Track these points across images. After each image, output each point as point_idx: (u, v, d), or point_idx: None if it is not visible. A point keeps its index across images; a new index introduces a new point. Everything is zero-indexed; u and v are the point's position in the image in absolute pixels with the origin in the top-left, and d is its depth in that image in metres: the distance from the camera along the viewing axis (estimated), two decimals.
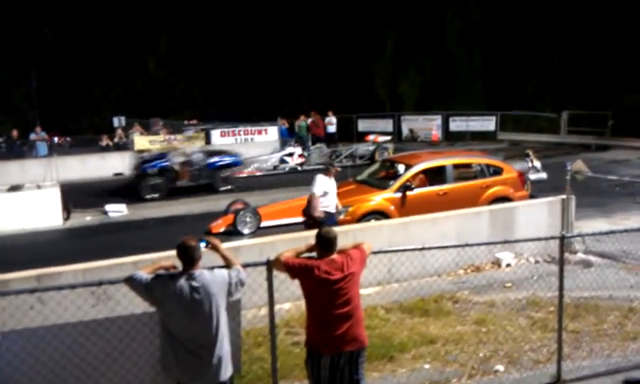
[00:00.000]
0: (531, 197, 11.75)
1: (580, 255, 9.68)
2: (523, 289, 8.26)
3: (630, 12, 25.13)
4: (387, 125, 29.68)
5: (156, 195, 16.71)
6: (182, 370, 4.18)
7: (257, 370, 6.00)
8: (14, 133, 23.92)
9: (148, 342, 4.58)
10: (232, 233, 11.78)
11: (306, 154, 21.83)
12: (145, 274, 4.28)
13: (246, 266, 4.64)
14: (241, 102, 34.15)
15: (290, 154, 21.53)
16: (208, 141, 23.77)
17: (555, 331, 5.96)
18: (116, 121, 27.04)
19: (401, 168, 11.77)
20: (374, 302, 7.81)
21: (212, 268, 4.36)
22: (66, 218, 14.25)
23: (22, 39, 35.24)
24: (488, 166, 11.93)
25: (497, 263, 9.37)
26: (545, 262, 9.47)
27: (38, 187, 15.03)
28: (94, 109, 37.52)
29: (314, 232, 4.86)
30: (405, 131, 29.68)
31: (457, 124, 28.63)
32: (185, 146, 17.56)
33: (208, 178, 17.65)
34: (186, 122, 27.19)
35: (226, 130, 24.85)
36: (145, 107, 31.89)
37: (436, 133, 28.29)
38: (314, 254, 4.69)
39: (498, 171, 11.81)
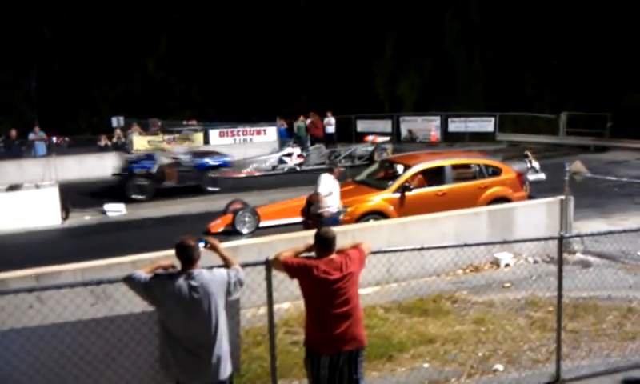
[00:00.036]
0: (530, 197, 11.77)
1: (579, 255, 9.69)
2: (522, 289, 8.27)
3: (629, 13, 25.16)
4: (386, 125, 29.70)
5: (142, 197, 16.43)
6: (181, 369, 4.18)
7: (256, 369, 6.00)
8: (13, 133, 23.91)
9: (147, 342, 4.59)
10: (231, 232, 11.79)
11: (304, 154, 21.84)
12: (144, 274, 4.28)
13: (244, 265, 4.64)
14: (240, 103, 34.15)
15: (289, 155, 21.53)
16: (207, 141, 23.79)
17: (554, 331, 5.96)
18: (114, 121, 26.99)
19: (400, 168, 11.79)
20: (373, 302, 7.81)
21: (211, 267, 4.36)
22: (65, 218, 14.24)
23: (22, 39, 35.21)
24: (487, 166, 11.94)
25: (496, 263, 9.38)
26: (544, 262, 9.48)
27: (37, 187, 15.03)
28: (92, 109, 37.50)
29: (312, 232, 4.86)
30: (404, 132, 29.70)
31: (456, 125, 28.65)
32: (171, 146, 17.29)
33: (196, 179, 17.40)
34: (184, 123, 27.18)
35: (225, 130, 24.84)
36: (144, 107, 31.87)
37: (435, 133, 28.29)
38: (312, 253, 4.70)
39: (496, 172, 11.82)
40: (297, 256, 4.71)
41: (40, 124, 26.83)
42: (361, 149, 22.51)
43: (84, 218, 14.67)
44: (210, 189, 17.43)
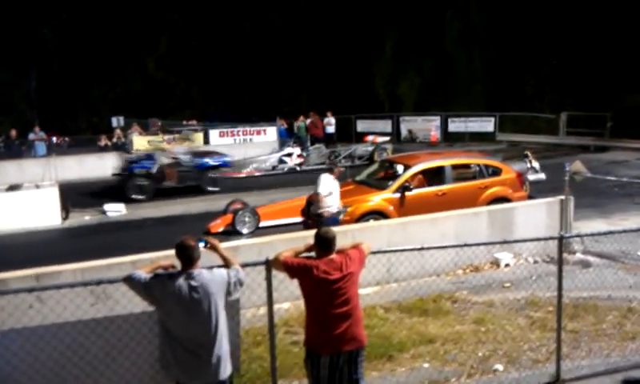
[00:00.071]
0: (530, 197, 11.76)
1: (579, 255, 9.69)
2: (522, 289, 8.27)
3: (629, 13, 25.15)
4: (386, 125, 29.70)
5: (142, 197, 16.40)
6: (181, 369, 4.18)
7: (256, 369, 6.00)
8: (13, 133, 23.92)
9: (147, 342, 4.59)
10: (231, 232, 11.79)
11: (304, 154, 21.83)
12: (144, 274, 4.28)
13: (244, 265, 4.64)
14: (240, 103, 34.15)
15: (289, 155, 21.53)
16: (207, 141, 23.79)
17: (554, 331, 5.96)
18: (115, 121, 26.99)
19: (399, 168, 11.79)
20: (373, 302, 7.81)
21: (211, 268, 4.36)
22: (65, 218, 14.24)
23: (22, 39, 35.22)
24: (487, 166, 11.94)
25: (496, 263, 9.38)
26: (544, 262, 9.48)
27: (37, 187, 15.02)
28: (92, 109, 37.51)
29: (312, 232, 4.86)
30: (403, 132, 29.70)
31: (455, 125, 28.65)
32: (171, 146, 17.26)
33: (195, 179, 17.37)
34: (184, 123, 27.18)
35: (225, 130, 24.84)
36: (144, 107, 31.87)
37: (435, 133, 28.28)
38: (312, 253, 4.70)
39: (496, 172, 11.82)
40: (297, 256, 4.71)
41: (40, 124, 26.83)
42: (361, 149, 22.51)
43: (84, 218, 14.67)
44: (210, 189, 17.40)
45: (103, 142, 25.09)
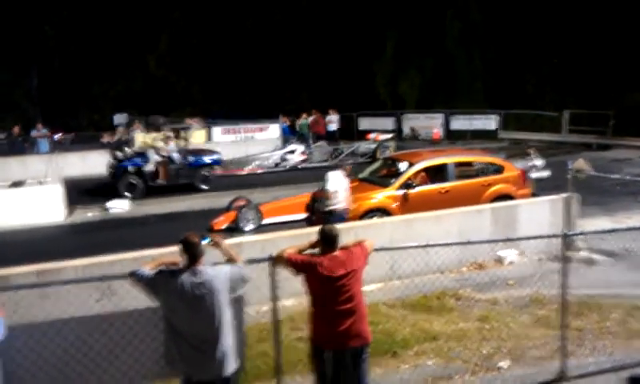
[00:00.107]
0: (533, 195, 11.73)
1: (583, 253, 9.65)
2: (526, 286, 8.22)
3: (630, 11, 25.06)
4: (388, 123, 29.66)
5: (133, 194, 16.24)
6: (186, 365, 4.18)
7: (260, 365, 5.98)
8: (16, 129, 23.98)
9: (150, 339, 4.58)
10: (234, 229, 11.77)
11: (307, 151, 21.82)
12: (148, 270, 4.29)
13: (248, 262, 4.63)
14: (242, 101, 34.15)
15: (292, 152, 21.52)
16: (209, 138, 23.80)
17: (558, 329, 5.94)
18: (118, 118, 27.01)
19: (402, 166, 11.76)
20: (377, 299, 7.80)
21: (215, 264, 4.36)
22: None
23: (23, 38, 35.26)
24: (490, 164, 11.92)
25: (499, 261, 9.35)
26: (547, 260, 9.43)
27: (40, 183, 15.03)
28: (93, 106, 37.58)
29: (316, 229, 4.85)
30: (406, 130, 29.66)
31: (458, 123, 28.59)
32: (165, 144, 17.17)
33: (188, 177, 17.32)
34: (187, 120, 27.16)
35: (228, 127, 24.83)
36: (145, 105, 31.90)
37: (438, 131, 28.23)
38: (315, 250, 4.69)
39: (499, 169, 11.79)
40: (300, 253, 4.71)
41: (42, 121, 26.86)
42: (363, 146, 22.50)
43: (87, 214, 14.67)
44: (203, 187, 17.37)
45: (106, 139, 25.10)
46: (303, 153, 21.53)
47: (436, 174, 11.54)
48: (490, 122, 28.06)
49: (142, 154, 17.19)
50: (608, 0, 25.67)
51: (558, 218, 9.95)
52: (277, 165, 21.15)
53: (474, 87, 30.19)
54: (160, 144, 17.22)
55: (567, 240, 6.07)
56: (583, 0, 26.26)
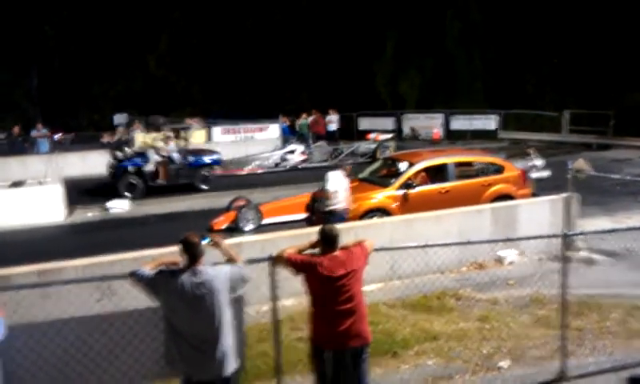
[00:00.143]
0: (534, 195, 11.73)
1: (583, 253, 9.65)
2: (526, 286, 8.22)
3: (630, 11, 25.06)
4: (388, 123, 29.66)
5: (133, 195, 16.22)
6: (186, 365, 4.19)
7: (260, 365, 5.98)
8: (16, 129, 23.97)
9: (150, 339, 4.58)
10: (234, 229, 11.77)
11: (307, 151, 21.82)
12: (148, 270, 4.30)
13: (248, 262, 4.63)
14: (242, 101, 34.16)
15: (292, 152, 21.52)
16: (209, 138, 23.81)
17: (558, 328, 5.94)
18: (118, 118, 27.01)
19: (402, 166, 11.76)
20: (377, 299, 7.79)
21: (215, 264, 4.36)
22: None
23: (23, 38, 35.26)
24: (490, 164, 11.92)
25: (499, 261, 9.35)
26: (548, 260, 9.43)
27: (40, 183, 15.02)
28: (93, 106, 37.59)
29: (316, 229, 4.86)
30: (406, 130, 29.66)
31: (458, 123, 28.59)
32: (165, 144, 17.16)
33: (187, 177, 17.30)
34: (187, 120, 27.17)
35: (228, 127, 24.83)
36: (145, 105, 31.90)
37: (438, 131, 28.23)
38: (315, 250, 4.69)
39: (499, 169, 11.79)
40: (300, 253, 4.71)
41: (42, 121, 26.86)
42: (363, 146, 22.50)
43: (87, 214, 14.67)
44: (203, 187, 17.36)
45: (106, 139, 25.10)
46: (303, 153, 21.53)
47: (436, 174, 11.54)
48: (489, 122, 28.06)
49: (142, 154, 17.18)
50: (608, 0, 25.66)
51: (558, 218, 9.95)
52: (277, 165, 21.14)
53: (474, 87, 30.19)
54: (160, 144, 17.22)
55: (567, 240, 6.07)
56: (583, 0, 26.26)
